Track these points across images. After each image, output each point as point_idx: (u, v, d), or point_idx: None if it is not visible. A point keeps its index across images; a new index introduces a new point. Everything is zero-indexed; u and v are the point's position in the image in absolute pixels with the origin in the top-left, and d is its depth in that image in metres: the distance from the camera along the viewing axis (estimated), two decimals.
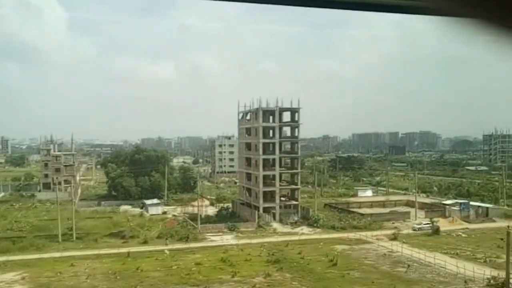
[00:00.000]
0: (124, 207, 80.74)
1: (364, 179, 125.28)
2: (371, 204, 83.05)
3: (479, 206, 72.70)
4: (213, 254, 51.03)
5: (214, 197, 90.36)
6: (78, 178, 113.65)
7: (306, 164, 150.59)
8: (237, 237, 60.12)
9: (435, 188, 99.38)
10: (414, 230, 62.76)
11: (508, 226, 45.77)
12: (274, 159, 70.21)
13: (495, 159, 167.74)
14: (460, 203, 72.41)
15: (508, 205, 79.64)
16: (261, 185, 66.89)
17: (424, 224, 63.63)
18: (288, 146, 75.21)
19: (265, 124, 68.40)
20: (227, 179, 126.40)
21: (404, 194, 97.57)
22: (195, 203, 78.46)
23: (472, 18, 1.53)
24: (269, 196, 67.78)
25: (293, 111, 68.85)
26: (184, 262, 48.52)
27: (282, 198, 70.51)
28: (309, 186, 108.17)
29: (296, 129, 70.18)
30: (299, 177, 71.20)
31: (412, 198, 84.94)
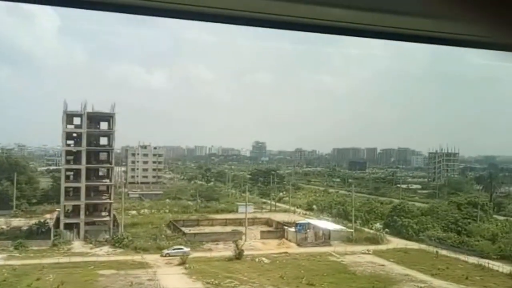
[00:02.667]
0: None
1: (274, 194, 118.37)
2: (226, 222, 76.54)
3: (317, 227, 65.81)
4: None
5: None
6: None
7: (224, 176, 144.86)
8: (11, 257, 53.81)
9: (314, 206, 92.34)
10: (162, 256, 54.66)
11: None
12: (96, 169, 64.09)
13: (439, 177, 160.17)
14: (297, 224, 65.54)
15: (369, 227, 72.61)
16: (62, 197, 60.69)
17: (178, 248, 55.55)
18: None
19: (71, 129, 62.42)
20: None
21: (286, 211, 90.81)
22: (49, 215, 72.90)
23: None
24: (77, 211, 61.54)
25: (107, 118, 62.88)
26: None
27: (104, 213, 64.25)
28: (199, 199, 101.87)
29: (110, 137, 63.97)
30: (111, 189, 64.86)
31: (286, 216, 78.90)
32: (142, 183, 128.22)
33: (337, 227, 67.75)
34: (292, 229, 64.42)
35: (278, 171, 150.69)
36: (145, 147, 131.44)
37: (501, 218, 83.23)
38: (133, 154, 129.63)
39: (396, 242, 65.73)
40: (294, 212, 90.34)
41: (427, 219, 69.40)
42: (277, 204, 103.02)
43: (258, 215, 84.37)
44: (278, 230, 67.39)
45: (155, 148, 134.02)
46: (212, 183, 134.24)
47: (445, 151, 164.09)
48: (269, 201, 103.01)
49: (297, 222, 67.14)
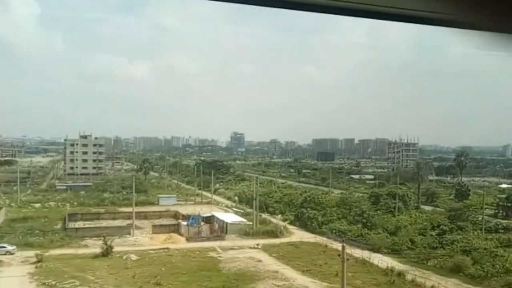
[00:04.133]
0: None
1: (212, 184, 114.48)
2: (129, 216, 72.42)
3: (219, 220, 62.02)
4: None
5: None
6: None
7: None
8: None
9: (236, 198, 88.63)
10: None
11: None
12: None
13: (397, 167, 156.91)
14: (189, 217, 61.66)
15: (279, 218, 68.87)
16: None
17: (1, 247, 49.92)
18: None
19: None
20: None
21: (210, 203, 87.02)
22: None
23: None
24: None
25: None
26: None
27: None
28: (125, 191, 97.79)
29: None
30: None
31: (207, 208, 75.32)
32: (82, 174, 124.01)
33: (237, 219, 63.93)
34: (185, 223, 60.50)
35: (225, 162, 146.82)
36: (85, 137, 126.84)
37: (429, 208, 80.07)
38: (72, 145, 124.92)
39: (299, 235, 62.22)
40: (217, 204, 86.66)
41: (332, 210, 65.74)
42: (214, 196, 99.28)
43: (174, 208, 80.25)
44: (173, 224, 63.42)
45: (96, 138, 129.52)
46: (156, 174, 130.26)
47: (404, 141, 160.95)
48: (209, 193, 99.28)
49: (192, 215, 63.17)
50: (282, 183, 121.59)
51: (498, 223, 64.18)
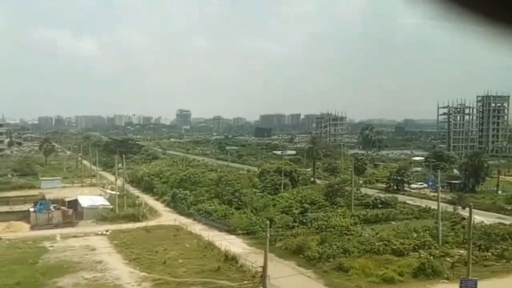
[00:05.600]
0: None
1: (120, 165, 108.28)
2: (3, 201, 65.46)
3: (77, 205, 56.47)
4: None
5: None
6: None
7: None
8: None
9: (121, 179, 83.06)
10: None
11: None
12: None
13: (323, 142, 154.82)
14: (36, 203, 55.78)
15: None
16: None
17: None
18: None
19: None
20: None
21: (94, 186, 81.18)
22: None
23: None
24: None
25: None
26: None
27: None
28: (10, 175, 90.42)
29: None
30: None
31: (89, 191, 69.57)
32: None
33: (98, 203, 58.52)
34: (32, 209, 54.60)
35: (137, 141, 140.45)
36: None
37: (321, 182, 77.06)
38: None
39: (167, 218, 57.74)
40: (103, 186, 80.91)
41: (202, 190, 61.34)
42: (112, 177, 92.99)
43: (52, 192, 73.75)
44: (23, 211, 57.18)
45: None
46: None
47: (330, 115, 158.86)
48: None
49: (39, 201, 57.20)
50: (198, 161, 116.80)
51: (377, 198, 61.62)
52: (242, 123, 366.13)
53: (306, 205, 52.10)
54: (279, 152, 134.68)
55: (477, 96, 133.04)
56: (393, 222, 52.48)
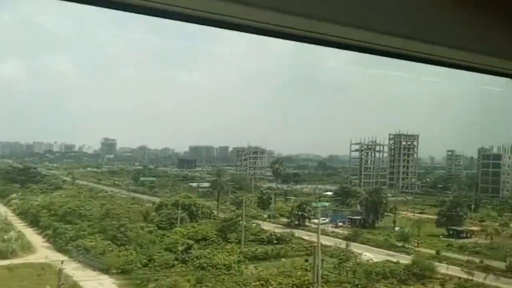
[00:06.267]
0: None
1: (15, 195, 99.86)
2: None
3: None
4: None
5: None
6: None
7: None
8: None
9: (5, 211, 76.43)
10: None
11: None
12: None
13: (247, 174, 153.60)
14: None
15: None
16: None
17: None
18: None
19: None
20: None
21: None
22: None
23: None
24: None
25: None
26: None
27: None
28: None
29: None
30: None
31: None
32: None
33: None
34: None
35: (51, 169, 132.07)
36: None
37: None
38: None
39: (41, 255, 52.15)
40: None
41: (84, 225, 56.59)
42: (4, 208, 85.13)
43: None
44: None
45: None
46: None
47: (251, 148, 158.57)
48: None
49: None
50: (106, 192, 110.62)
51: (273, 233, 59.95)
52: (169, 153, 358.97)
53: (191, 242, 49.05)
54: (194, 184, 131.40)
55: (389, 134, 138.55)
56: (283, 259, 50.83)
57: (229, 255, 47.20)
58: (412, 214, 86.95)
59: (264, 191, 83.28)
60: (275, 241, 57.59)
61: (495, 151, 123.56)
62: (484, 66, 2.70)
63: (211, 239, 54.26)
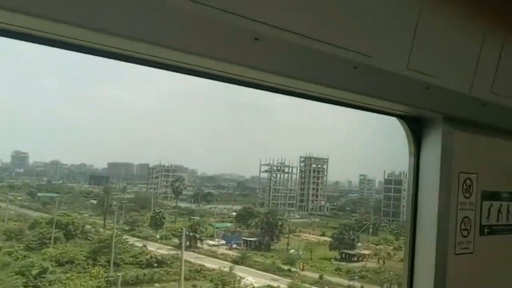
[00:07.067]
0: None
1: None
2: None
3: None
4: None
5: None
6: None
7: None
8: None
9: None
10: None
11: None
12: None
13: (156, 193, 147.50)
14: None
15: None
16: None
17: None
18: None
19: None
20: None
21: None
22: None
23: None
24: None
25: None
26: None
27: None
28: None
29: None
30: None
31: None
32: None
33: None
34: None
35: None
36: None
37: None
38: None
39: None
40: None
41: None
42: None
43: None
44: None
45: None
46: None
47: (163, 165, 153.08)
48: None
49: None
50: None
51: (153, 256, 55.66)
52: (84, 169, 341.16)
53: (46, 265, 43.67)
54: (95, 202, 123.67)
55: (300, 157, 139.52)
56: (156, 285, 46.79)
57: (90, 280, 42.34)
58: (312, 236, 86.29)
59: (157, 211, 78.70)
60: (155, 264, 53.44)
61: (397, 175, 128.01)
62: (374, 107, 2.98)
63: (78, 261, 49.05)
